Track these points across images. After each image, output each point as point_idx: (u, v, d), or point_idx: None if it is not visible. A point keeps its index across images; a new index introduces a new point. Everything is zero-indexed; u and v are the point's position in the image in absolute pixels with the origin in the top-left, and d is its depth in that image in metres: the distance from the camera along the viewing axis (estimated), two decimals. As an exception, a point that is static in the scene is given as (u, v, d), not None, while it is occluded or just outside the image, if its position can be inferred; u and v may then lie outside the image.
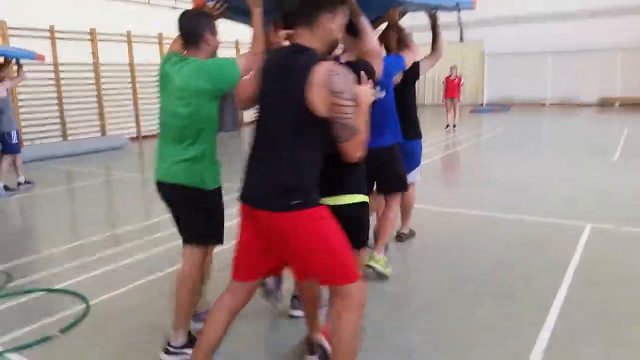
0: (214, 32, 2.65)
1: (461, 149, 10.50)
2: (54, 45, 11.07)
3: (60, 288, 3.78)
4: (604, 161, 8.32)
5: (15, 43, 10.04)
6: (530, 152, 9.74)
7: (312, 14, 2.06)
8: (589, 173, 7.54)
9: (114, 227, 5.55)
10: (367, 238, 2.57)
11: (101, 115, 12.23)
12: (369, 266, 3.66)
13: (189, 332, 2.73)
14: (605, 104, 19.65)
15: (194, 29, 2.61)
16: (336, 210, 2.20)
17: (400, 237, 4.62)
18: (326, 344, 2.54)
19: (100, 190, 7.77)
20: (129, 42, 12.62)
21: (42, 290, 3.77)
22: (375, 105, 2.64)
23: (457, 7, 3.91)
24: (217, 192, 2.72)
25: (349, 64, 2.26)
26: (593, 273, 3.80)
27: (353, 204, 2.37)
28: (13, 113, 7.46)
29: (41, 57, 8.18)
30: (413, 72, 4.01)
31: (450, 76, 13.45)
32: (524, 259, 4.16)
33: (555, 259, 4.09)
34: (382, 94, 3.50)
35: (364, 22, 2.59)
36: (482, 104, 21.80)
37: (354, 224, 2.36)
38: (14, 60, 7.38)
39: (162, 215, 4.66)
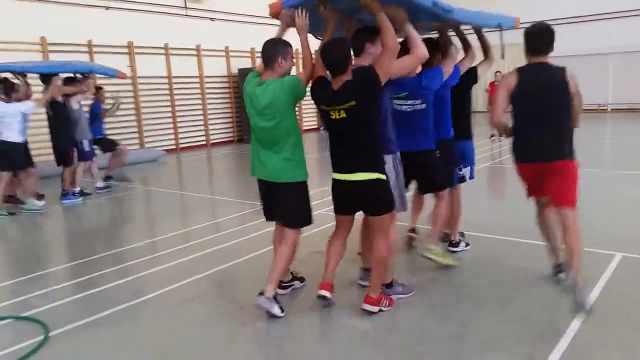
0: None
1: (505, 160, 9.79)
2: (91, 59, 11.35)
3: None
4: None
5: (54, 57, 10.39)
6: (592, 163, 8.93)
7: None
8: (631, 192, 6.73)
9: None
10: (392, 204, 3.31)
11: (139, 128, 12.42)
12: (426, 257, 4.05)
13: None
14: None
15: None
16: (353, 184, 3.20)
17: (452, 244, 4.59)
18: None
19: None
20: (167, 54, 12.78)
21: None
22: (415, 114, 3.79)
23: (499, 27, 4.23)
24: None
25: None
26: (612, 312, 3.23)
27: (370, 179, 3.17)
28: (87, 123, 7.90)
29: (123, 75, 8.93)
30: (469, 77, 4.19)
31: (495, 81, 12.66)
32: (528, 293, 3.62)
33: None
34: (423, 106, 3.80)
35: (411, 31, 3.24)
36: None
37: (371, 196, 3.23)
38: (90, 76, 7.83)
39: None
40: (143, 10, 12.24)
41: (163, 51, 12.71)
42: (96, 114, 8.54)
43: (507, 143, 11.64)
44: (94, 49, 11.35)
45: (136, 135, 12.35)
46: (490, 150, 10.90)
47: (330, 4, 3.25)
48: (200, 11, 13.51)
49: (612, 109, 19.26)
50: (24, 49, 10.11)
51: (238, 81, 14.08)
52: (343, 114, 3.09)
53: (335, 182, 3.32)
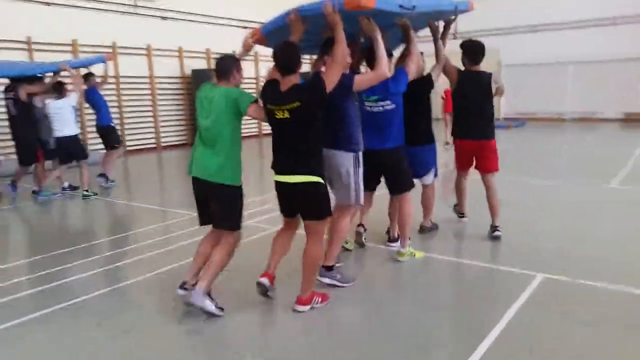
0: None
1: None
2: (31, 57, 10.82)
3: None
4: (596, 189, 7.37)
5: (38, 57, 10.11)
6: (522, 171, 8.87)
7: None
8: (571, 204, 6.64)
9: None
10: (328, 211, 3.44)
11: (83, 129, 11.92)
12: (400, 262, 4.39)
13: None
14: (630, 120, 18.34)
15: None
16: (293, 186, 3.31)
17: (422, 229, 5.20)
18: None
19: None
20: (115, 54, 12.30)
21: None
22: (382, 114, 4.08)
23: (455, 11, 4.50)
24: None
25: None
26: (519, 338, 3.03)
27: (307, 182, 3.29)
28: (50, 122, 7.53)
29: (111, 57, 9.24)
30: (422, 84, 4.46)
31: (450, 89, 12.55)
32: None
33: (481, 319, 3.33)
34: (392, 106, 4.09)
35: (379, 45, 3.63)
36: (498, 119, 20.73)
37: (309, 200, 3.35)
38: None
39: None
40: (88, 7, 11.76)
41: (110, 50, 12.23)
42: (96, 102, 8.24)
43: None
44: (33, 46, 10.82)
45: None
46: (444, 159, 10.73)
47: (303, 19, 3.55)
48: (152, 9, 13.07)
49: (570, 118, 19.51)
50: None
51: (192, 82, 13.69)
52: (287, 114, 3.24)
53: (276, 183, 3.45)
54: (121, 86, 12.58)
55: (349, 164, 3.72)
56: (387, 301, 3.73)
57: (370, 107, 4.16)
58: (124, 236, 5.77)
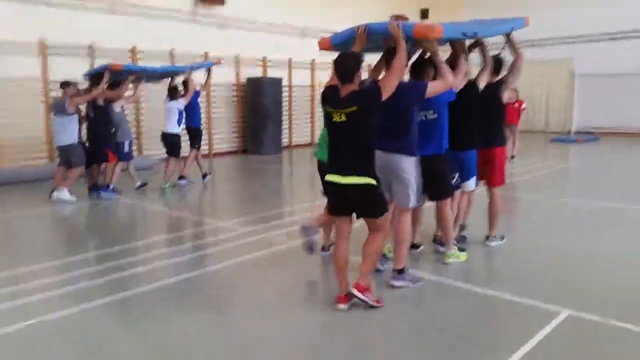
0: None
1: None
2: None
3: None
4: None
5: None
6: (584, 193, 8.15)
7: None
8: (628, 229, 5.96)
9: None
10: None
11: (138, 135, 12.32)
12: (446, 264, 4.55)
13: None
14: None
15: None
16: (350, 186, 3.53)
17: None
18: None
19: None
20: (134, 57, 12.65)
21: None
22: (424, 123, 4.18)
23: (511, 30, 4.74)
24: None
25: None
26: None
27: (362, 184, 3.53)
28: (128, 126, 8.57)
29: (219, 61, 10.15)
30: (467, 91, 4.55)
31: (510, 99, 11.87)
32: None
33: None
34: (434, 116, 4.25)
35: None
36: (570, 132, 19.44)
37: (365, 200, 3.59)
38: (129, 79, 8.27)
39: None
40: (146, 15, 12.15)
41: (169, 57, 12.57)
42: (193, 105, 8.97)
43: (520, 164, 10.89)
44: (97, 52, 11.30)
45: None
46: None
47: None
48: (210, 17, 13.33)
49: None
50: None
51: (246, 90, 13.85)
52: (344, 117, 3.47)
53: (330, 183, 3.64)
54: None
55: (411, 168, 3.99)
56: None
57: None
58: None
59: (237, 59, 14.04)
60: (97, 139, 8.07)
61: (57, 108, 7.69)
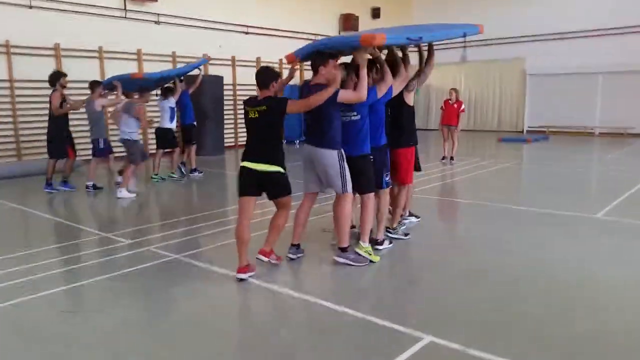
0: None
1: (440, 186, 8.77)
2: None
3: None
4: (580, 219, 6.34)
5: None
6: (505, 194, 7.90)
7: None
8: (533, 237, 5.68)
9: None
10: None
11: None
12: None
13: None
14: (666, 135, 16.74)
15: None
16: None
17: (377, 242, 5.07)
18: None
19: None
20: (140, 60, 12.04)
21: None
22: (348, 124, 4.60)
23: (464, 35, 5.14)
24: None
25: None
26: None
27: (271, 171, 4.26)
28: (104, 124, 8.89)
29: (208, 57, 10.84)
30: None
31: (449, 100, 11.67)
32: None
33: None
34: (357, 117, 4.61)
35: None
36: (522, 131, 19.43)
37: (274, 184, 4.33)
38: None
39: None
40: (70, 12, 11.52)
41: (97, 54, 11.97)
42: (184, 103, 9.86)
43: (460, 166, 10.63)
44: (12, 50, 10.64)
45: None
46: (437, 174, 9.81)
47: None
48: (145, 14, 12.76)
49: (599, 132, 18.01)
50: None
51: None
52: (256, 114, 4.24)
53: (244, 168, 4.28)
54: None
55: (334, 160, 4.43)
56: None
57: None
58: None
59: (173, 56, 13.48)
60: (58, 136, 8.53)
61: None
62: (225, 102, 14.31)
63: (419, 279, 4.44)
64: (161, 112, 9.65)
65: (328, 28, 18.00)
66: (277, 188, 4.32)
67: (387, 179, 4.94)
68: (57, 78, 8.40)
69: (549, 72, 18.61)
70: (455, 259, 4.84)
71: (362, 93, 4.38)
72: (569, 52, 17.95)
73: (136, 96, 8.70)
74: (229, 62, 14.86)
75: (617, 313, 3.60)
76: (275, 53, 15.97)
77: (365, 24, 19.13)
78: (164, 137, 9.72)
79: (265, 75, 4.29)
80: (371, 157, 4.70)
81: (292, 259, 4.74)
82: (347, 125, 4.58)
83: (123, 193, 7.98)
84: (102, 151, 8.71)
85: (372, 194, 4.72)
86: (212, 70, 14.00)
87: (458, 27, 5.26)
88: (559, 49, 18.22)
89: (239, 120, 15.22)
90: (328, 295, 3.94)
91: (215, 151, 13.45)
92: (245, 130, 4.39)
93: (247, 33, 15.30)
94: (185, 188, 9.29)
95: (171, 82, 9.55)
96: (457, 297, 3.91)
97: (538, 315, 3.53)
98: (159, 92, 9.80)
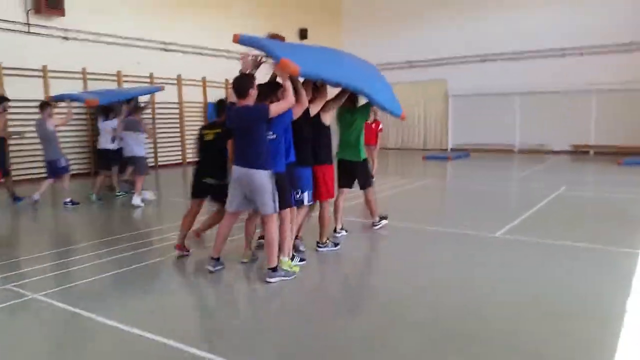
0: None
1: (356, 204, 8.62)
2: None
3: None
4: (478, 238, 6.32)
5: None
6: (412, 213, 7.86)
7: None
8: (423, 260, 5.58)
9: None
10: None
11: None
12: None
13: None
14: (579, 152, 17.56)
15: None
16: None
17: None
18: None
19: None
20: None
21: None
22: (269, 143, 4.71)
23: (386, 110, 5.72)
24: None
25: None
26: None
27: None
28: (57, 143, 8.91)
29: (162, 87, 11.59)
30: (302, 115, 4.86)
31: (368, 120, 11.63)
32: None
33: None
34: (274, 137, 4.66)
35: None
36: (447, 149, 19.88)
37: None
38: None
39: None
40: None
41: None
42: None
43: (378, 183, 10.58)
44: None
45: None
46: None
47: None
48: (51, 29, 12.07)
49: (518, 150, 18.68)
50: None
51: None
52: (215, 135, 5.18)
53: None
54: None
55: (265, 180, 4.52)
56: None
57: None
58: None
59: (84, 72, 12.80)
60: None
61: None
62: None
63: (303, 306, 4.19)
64: (101, 132, 9.68)
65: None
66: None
67: (298, 196, 5.07)
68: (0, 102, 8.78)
69: (470, 93, 19.20)
70: (342, 280, 4.63)
71: (291, 98, 4.46)
72: (488, 74, 18.62)
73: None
74: (147, 80, 14.30)
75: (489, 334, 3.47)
76: (199, 71, 15.66)
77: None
78: (105, 158, 9.75)
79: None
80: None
81: (211, 272, 4.85)
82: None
83: (138, 200, 8.61)
84: (63, 169, 8.86)
85: (287, 210, 4.81)
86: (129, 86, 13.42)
87: (384, 93, 5.65)
88: (478, 71, 18.88)
89: (158, 141, 14.64)
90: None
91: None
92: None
93: (166, 50, 14.83)
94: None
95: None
96: (334, 326, 3.67)
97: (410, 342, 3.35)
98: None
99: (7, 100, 9.03)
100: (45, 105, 8.70)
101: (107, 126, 9.58)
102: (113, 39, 13.33)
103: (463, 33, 18.97)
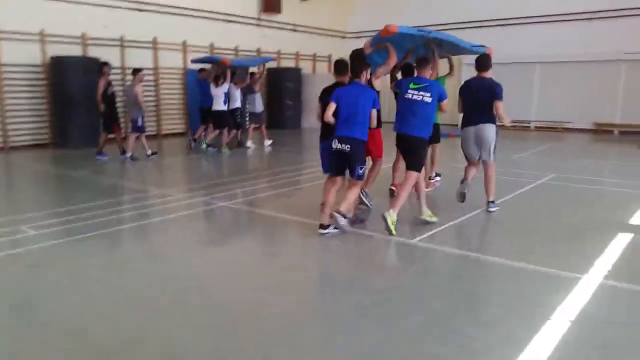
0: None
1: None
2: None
3: None
4: (395, 243, 5.04)
5: None
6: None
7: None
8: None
9: None
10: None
11: None
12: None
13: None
14: (601, 131, 15.57)
15: None
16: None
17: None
18: None
19: None
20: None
21: None
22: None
23: (471, 50, 7.08)
24: None
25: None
26: None
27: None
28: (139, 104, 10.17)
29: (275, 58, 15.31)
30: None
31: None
32: None
33: None
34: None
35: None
36: (458, 125, 18.13)
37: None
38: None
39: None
40: None
41: None
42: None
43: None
44: None
45: None
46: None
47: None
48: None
49: (534, 127, 16.82)
50: None
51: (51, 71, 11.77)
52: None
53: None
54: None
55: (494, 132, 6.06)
56: None
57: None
58: None
59: (42, 34, 11.89)
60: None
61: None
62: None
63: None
64: (216, 96, 11.04)
65: (245, 8, 16.50)
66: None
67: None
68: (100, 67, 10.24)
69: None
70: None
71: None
72: (505, 40, 16.63)
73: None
74: (117, 43, 13.28)
75: None
76: (179, 34, 14.53)
77: (291, 6, 17.67)
78: (216, 118, 11.30)
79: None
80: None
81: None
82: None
83: (268, 143, 12.34)
84: (140, 128, 10.28)
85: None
86: (94, 51, 12.47)
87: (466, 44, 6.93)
88: (494, 37, 16.88)
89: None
90: None
91: (85, 143, 11.77)
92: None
93: (140, 10, 13.72)
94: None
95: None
96: None
97: None
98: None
99: (107, 64, 10.22)
100: (137, 71, 10.25)
101: (220, 91, 10.99)
102: (76, -2, 12.32)
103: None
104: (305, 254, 4.80)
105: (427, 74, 5.48)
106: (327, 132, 5.33)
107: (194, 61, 12.52)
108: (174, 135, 14.61)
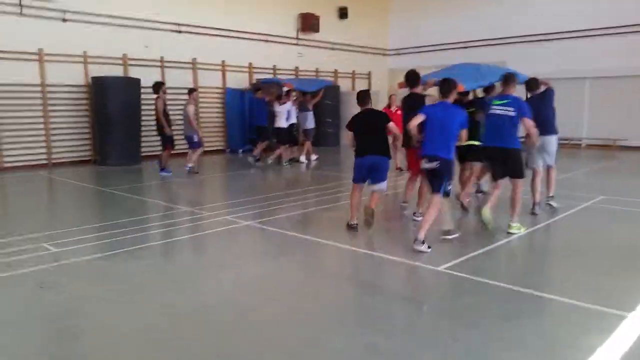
0: None
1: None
2: None
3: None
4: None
5: None
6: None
7: None
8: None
9: None
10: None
11: None
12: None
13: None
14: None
15: None
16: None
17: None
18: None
19: None
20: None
21: None
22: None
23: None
24: None
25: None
26: None
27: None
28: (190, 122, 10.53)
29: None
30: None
31: (389, 106, 10.15)
32: None
33: None
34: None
35: None
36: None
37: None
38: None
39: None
40: None
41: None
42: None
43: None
44: None
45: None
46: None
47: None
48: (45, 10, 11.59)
49: (586, 145, 15.94)
50: None
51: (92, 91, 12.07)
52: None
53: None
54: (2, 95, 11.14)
55: None
56: None
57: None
58: None
59: (84, 56, 12.23)
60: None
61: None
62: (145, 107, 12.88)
63: None
64: (278, 115, 11.89)
65: (283, 28, 16.54)
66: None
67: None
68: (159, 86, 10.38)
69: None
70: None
71: None
72: (553, 55, 15.99)
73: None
74: (157, 63, 13.53)
75: None
76: (217, 54, 14.68)
77: (329, 25, 17.62)
78: (279, 134, 12.00)
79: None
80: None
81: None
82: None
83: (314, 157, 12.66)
84: (196, 144, 10.63)
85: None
86: (134, 72, 12.73)
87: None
88: (542, 52, 16.29)
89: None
90: None
91: (127, 161, 12.05)
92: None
93: (180, 32, 13.97)
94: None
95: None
96: None
97: None
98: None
99: (163, 84, 10.51)
100: (192, 90, 10.73)
101: (283, 109, 11.79)
102: (118, 20, 12.64)
103: (523, 9, 16.43)
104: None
105: (512, 91, 5.80)
106: (362, 149, 5.90)
107: (262, 82, 13.89)
108: (212, 152, 14.68)
